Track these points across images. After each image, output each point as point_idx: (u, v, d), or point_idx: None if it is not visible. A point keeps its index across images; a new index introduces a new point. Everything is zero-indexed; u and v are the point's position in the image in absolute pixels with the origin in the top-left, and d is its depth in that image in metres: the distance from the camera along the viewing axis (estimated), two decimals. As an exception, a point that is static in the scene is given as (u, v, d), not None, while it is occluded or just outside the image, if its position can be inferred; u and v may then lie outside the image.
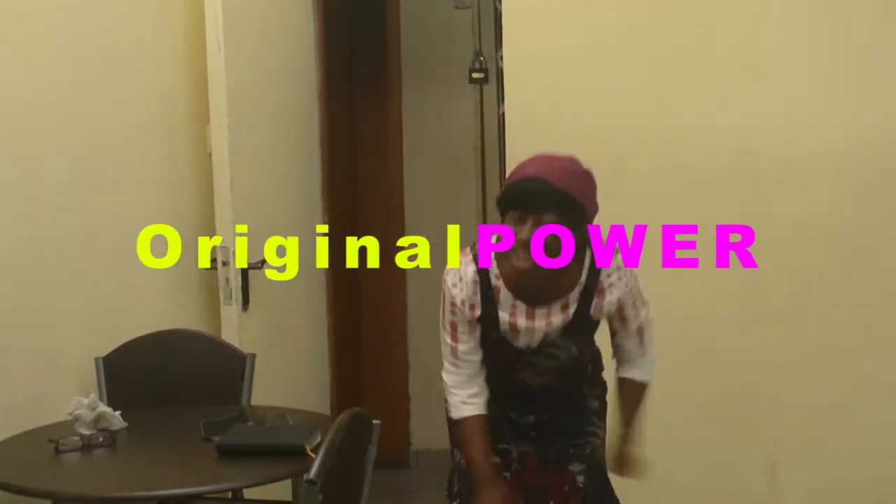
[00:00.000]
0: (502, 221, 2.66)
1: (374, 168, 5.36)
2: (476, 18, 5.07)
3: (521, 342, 2.76)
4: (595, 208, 2.70)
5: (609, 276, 2.74)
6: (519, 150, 3.68)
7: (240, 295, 3.71)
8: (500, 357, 2.79)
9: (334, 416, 2.91)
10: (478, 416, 2.78)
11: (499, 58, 4.64)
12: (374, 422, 2.76)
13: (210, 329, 3.78)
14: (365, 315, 5.40)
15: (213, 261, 3.74)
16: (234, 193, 3.68)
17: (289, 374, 4.11)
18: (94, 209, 3.41)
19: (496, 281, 2.73)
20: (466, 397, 2.79)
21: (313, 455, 2.54)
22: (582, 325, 2.78)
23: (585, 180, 2.66)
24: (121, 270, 3.53)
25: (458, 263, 2.76)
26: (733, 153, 3.54)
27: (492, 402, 2.84)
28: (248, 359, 3.41)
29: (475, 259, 2.75)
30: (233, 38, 3.67)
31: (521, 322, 2.74)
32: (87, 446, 2.82)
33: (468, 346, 2.78)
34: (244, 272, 3.73)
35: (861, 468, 3.49)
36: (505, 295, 2.73)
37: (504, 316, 2.73)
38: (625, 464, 2.94)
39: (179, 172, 3.82)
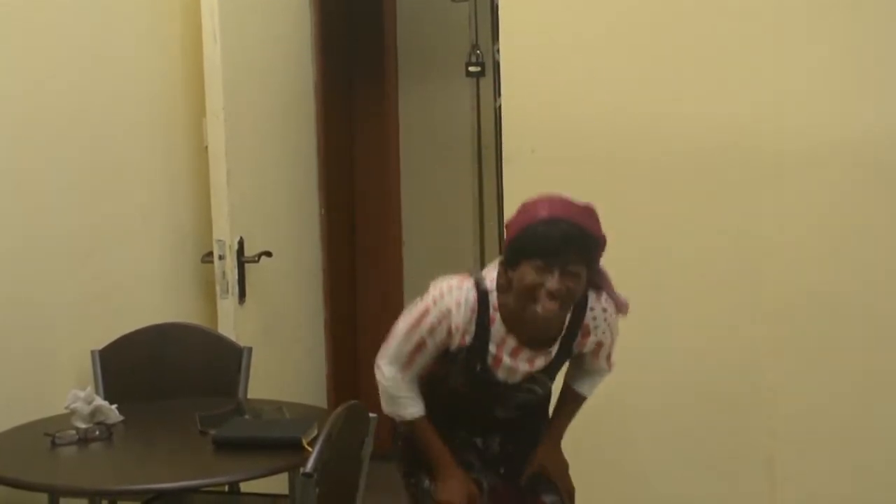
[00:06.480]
0: (515, 266, 2.56)
1: (371, 161, 5.36)
2: (473, 11, 5.06)
3: (500, 376, 2.72)
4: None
5: (595, 318, 2.70)
6: (515, 143, 3.69)
7: (236, 288, 3.71)
8: (478, 390, 2.74)
9: (331, 410, 2.91)
10: (426, 416, 2.78)
11: (495, 51, 4.64)
12: (371, 415, 2.76)
13: (207, 322, 3.78)
14: (361, 308, 5.40)
15: (210, 254, 3.74)
16: (230, 187, 3.67)
17: (285, 367, 4.11)
18: (90, 203, 3.41)
19: (493, 311, 2.65)
20: (416, 397, 2.77)
21: (310, 448, 2.54)
22: (562, 363, 2.78)
23: (595, 215, 2.61)
24: (117, 264, 3.53)
25: (460, 285, 2.66)
26: (734, 145, 3.52)
27: (455, 428, 2.83)
28: (244, 352, 3.42)
29: (477, 285, 2.66)
30: (229, 30, 3.66)
31: (506, 359, 2.68)
32: (83, 440, 2.82)
33: (423, 362, 2.74)
34: (241, 266, 3.73)
35: (860, 460, 3.48)
36: (498, 326, 2.66)
37: (492, 348, 2.67)
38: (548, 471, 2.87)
39: (176, 166, 3.82)
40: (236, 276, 3.71)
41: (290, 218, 4.25)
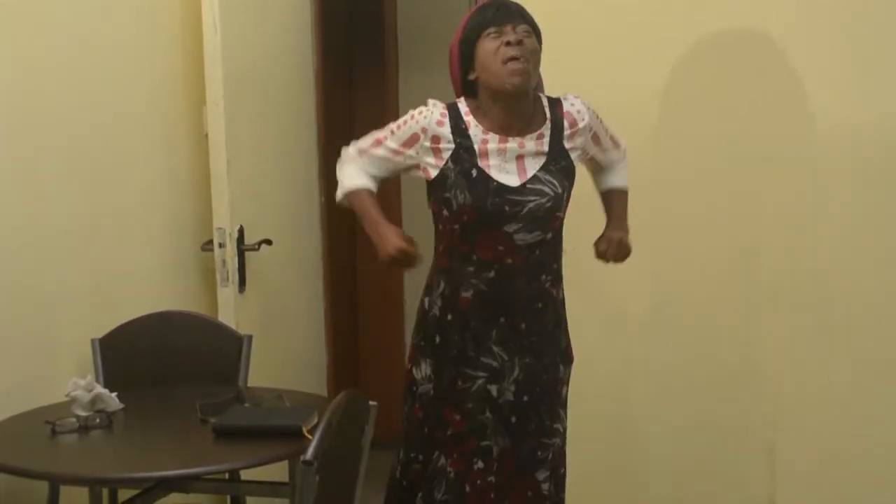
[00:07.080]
0: (474, 53, 2.81)
1: (371, 150, 5.34)
2: (473, 0, 5.05)
3: (501, 177, 2.82)
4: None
5: (573, 105, 2.92)
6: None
7: (236, 277, 3.71)
8: (482, 199, 2.82)
9: (331, 398, 2.91)
10: (368, 188, 3.04)
11: (496, 39, 4.62)
12: (371, 403, 2.76)
13: (207, 311, 3.78)
14: (362, 296, 5.40)
15: (210, 242, 3.73)
16: (230, 175, 3.67)
17: (285, 355, 4.11)
18: (90, 191, 3.41)
19: (466, 116, 2.87)
20: (364, 175, 3.05)
21: (310, 436, 2.54)
22: (560, 159, 2.86)
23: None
24: (118, 252, 3.53)
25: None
26: (735, 139, 3.53)
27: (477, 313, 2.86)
28: (244, 340, 3.42)
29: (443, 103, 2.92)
30: (229, 18, 3.65)
31: (494, 145, 2.83)
32: (83, 428, 2.82)
33: (376, 162, 3.01)
34: (241, 254, 3.73)
35: (860, 450, 3.49)
36: (475, 130, 2.85)
37: (477, 147, 2.84)
38: (616, 245, 3.00)
39: (176, 154, 3.81)
40: (236, 265, 3.71)
41: (291, 206, 4.25)
